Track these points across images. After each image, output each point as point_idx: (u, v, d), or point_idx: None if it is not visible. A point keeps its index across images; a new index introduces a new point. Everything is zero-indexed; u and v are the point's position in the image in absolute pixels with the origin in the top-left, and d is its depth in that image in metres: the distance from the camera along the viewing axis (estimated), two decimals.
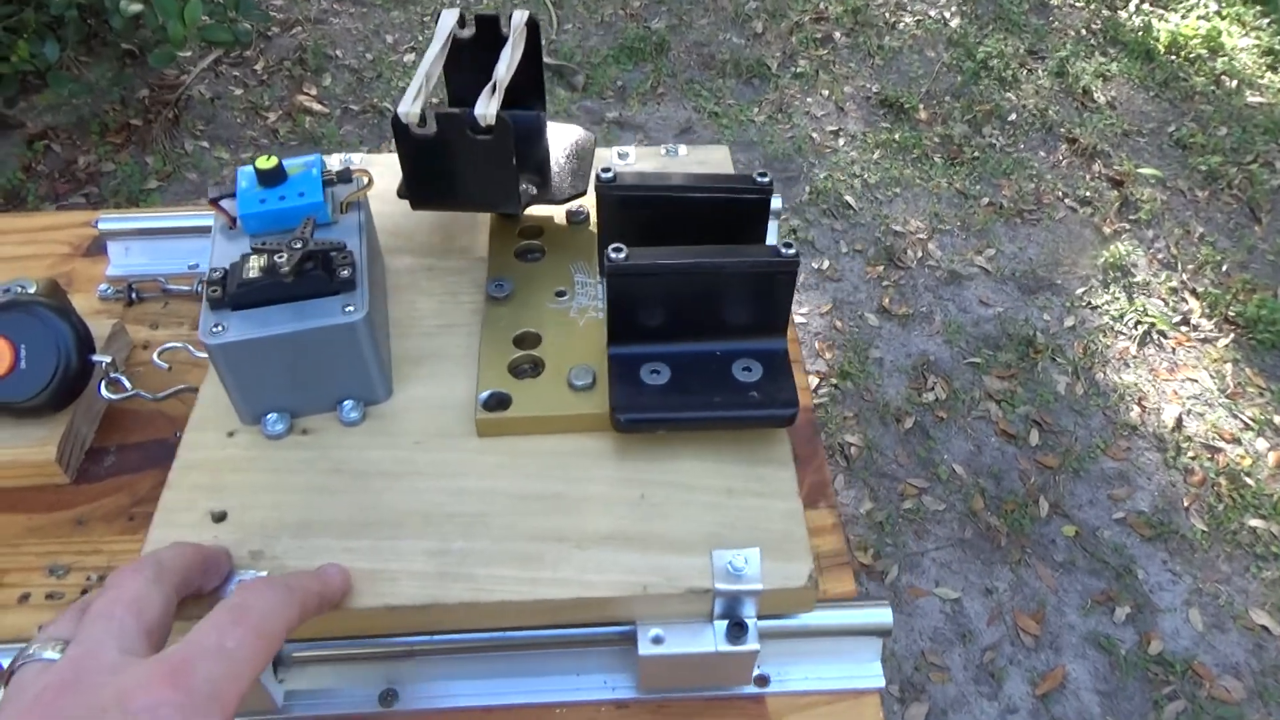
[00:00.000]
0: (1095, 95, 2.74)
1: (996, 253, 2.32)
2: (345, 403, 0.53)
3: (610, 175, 0.54)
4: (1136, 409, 1.99)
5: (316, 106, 2.64)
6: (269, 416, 0.52)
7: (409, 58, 2.84)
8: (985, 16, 3.04)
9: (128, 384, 0.61)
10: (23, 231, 0.79)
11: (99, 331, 0.63)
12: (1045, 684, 1.57)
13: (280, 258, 0.48)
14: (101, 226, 0.73)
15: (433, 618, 0.46)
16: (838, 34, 3.00)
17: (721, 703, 0.51)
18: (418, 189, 0.56)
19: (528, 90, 0.62)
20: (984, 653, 1.61)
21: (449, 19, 0.58)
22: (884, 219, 2.38)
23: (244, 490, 0.50)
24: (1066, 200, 2.44)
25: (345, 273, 0.50)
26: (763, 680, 0.51)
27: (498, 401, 0.52)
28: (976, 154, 2.57)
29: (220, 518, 0.49)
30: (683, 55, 2.90)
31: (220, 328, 0.49)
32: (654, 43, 2.90)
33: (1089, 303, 2.20)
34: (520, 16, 0.59)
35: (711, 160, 0.70)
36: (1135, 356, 2.09)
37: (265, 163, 0.53)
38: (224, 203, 0.55)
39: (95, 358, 0.60)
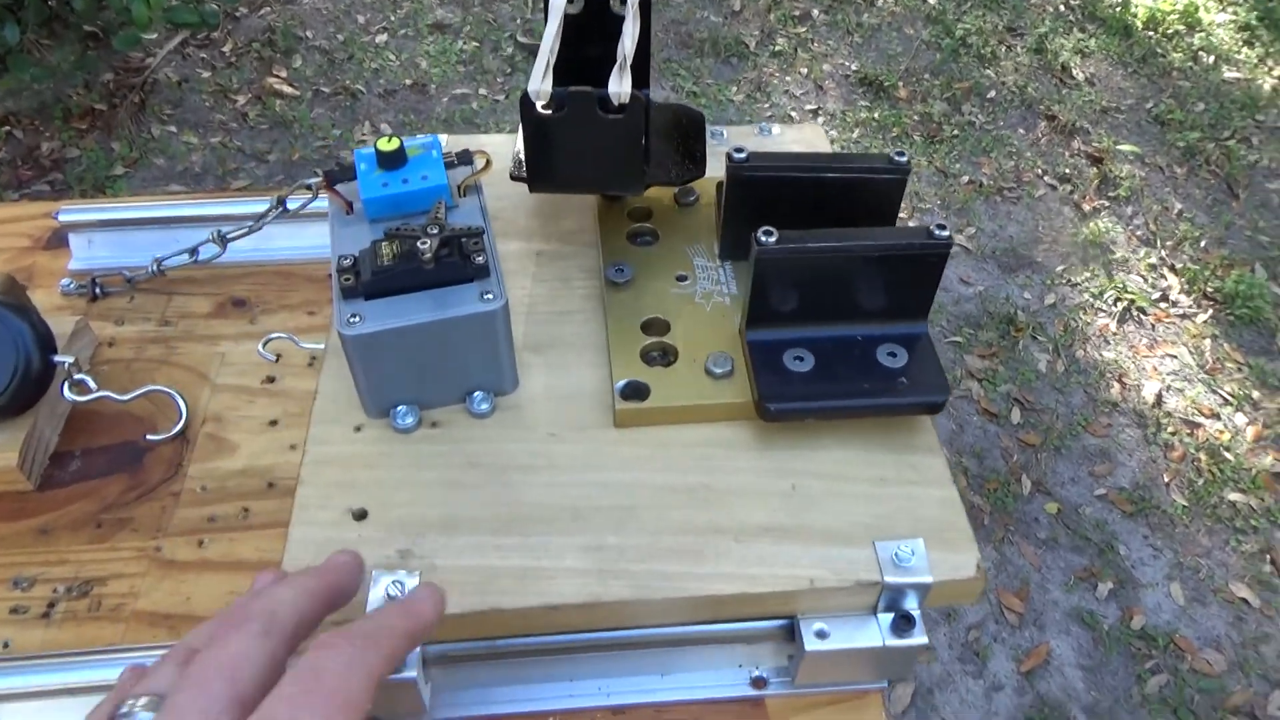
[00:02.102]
0: (1074, 72, 2.79)
1: (977, 231, 2.35)
2: (475, 394, 0.51)
3: (744, 156, 0.52)
4: (1117, 386, 2.04)
5: (287, 89, 2.56)
6: (398, 409, 0.50)
7: (381, 38, 2.76)
8: None
9: (93, 384, 0.58)
10: None
11: (61, 329, 0.60)
12: (1029, 661, 1.61)
13: (423, 244, 0.46)
14: (62, 218, 0.69)
15: (595, 616, 0.45)
16: (816, 11, 2.99)
17: (719, 705, 0.50)
18: (539, 171, 0.54)
19: (636, 67, 0.59)
20: (969, 631, 1.64)
21: None
22: None
23: (379, 487, 0.48)
24: (1046, 178, 2.48)
25: (480, 259, 0.48)
26: (760, 682, 0.50)
27: (634, 391, 0.51)
28: (956, 132, 2.59)
29: (361, 516, 0.47)
30: (659, 34, 2.87)
31: (357, 318, 0.46)
32: None
33: (1069, 280, 2.25)
34: None
35: (807, 138, 0.69)
36: (1115, 333, 2.14)
37: (387, 145, 0.51)
38: (340, 186, 0.52)
39: (57, 358, 0.57)
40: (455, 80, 2.64)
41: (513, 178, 0.57)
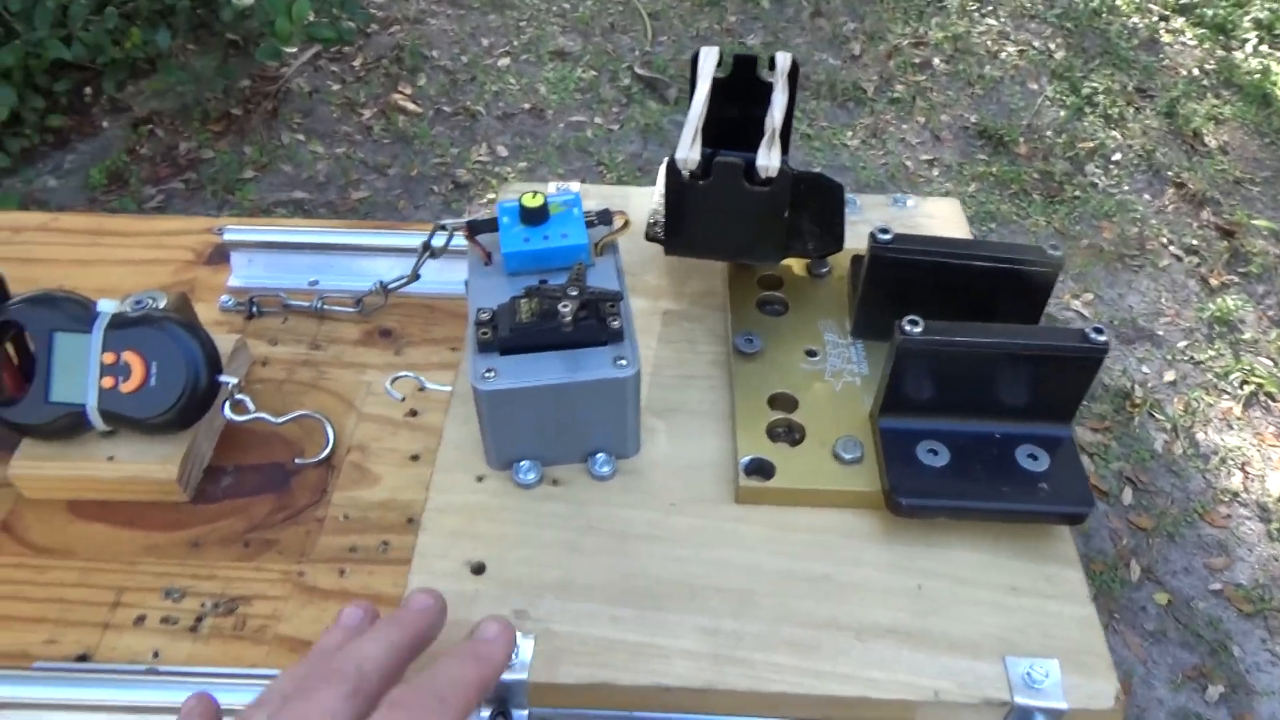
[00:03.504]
0: (1206, 139, 2.67)
1: (1094, 298, 2.26)
2: (598, 455, 0.51)
3: (889, 237, 0.51)
4: (1239, 474, 1.93)
5: (410, 106, 2.65)
6: (521, 464, 0.50)
7: (503, 62, 2.83)
8: (1092, 50, 2.98)
9: (251, 405, 0.60)
10: (149, 235, 0.78)
11: (221, 347, 0.62)
12: None
13: (564, 307, 0.46)
14: (227, 236, 0.72)
15: (708, 702, 0.44)
16: (937, 60, 2.95)
17: None
18: (677, 234, 0.54)
19: (781, 136, 0.59)
20: None
21: (710, 59, 0.56)
22: None
23: (498, 541, 0.48)
24: (1172, 247, 2.38)
25: (615, 323, 0.48)
26: None
27: (759, 468, 0.50)
28: (1077, 193, 2.51)
29: (479, 570, 0.47)
30: None
31: (492, 373, 0.47)
32: None
33: (1192, 358, 2.14)
34: (784, 60, 0.56)
35: (941, 214, 0.67)
36: (1240, 418, 2.02)
37: (531, 200, 0.51)
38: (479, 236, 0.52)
39: (222, 378, 0.59)
40: (572, 107, 2.69)
41: (648, 238, 0.57)
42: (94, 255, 0.75)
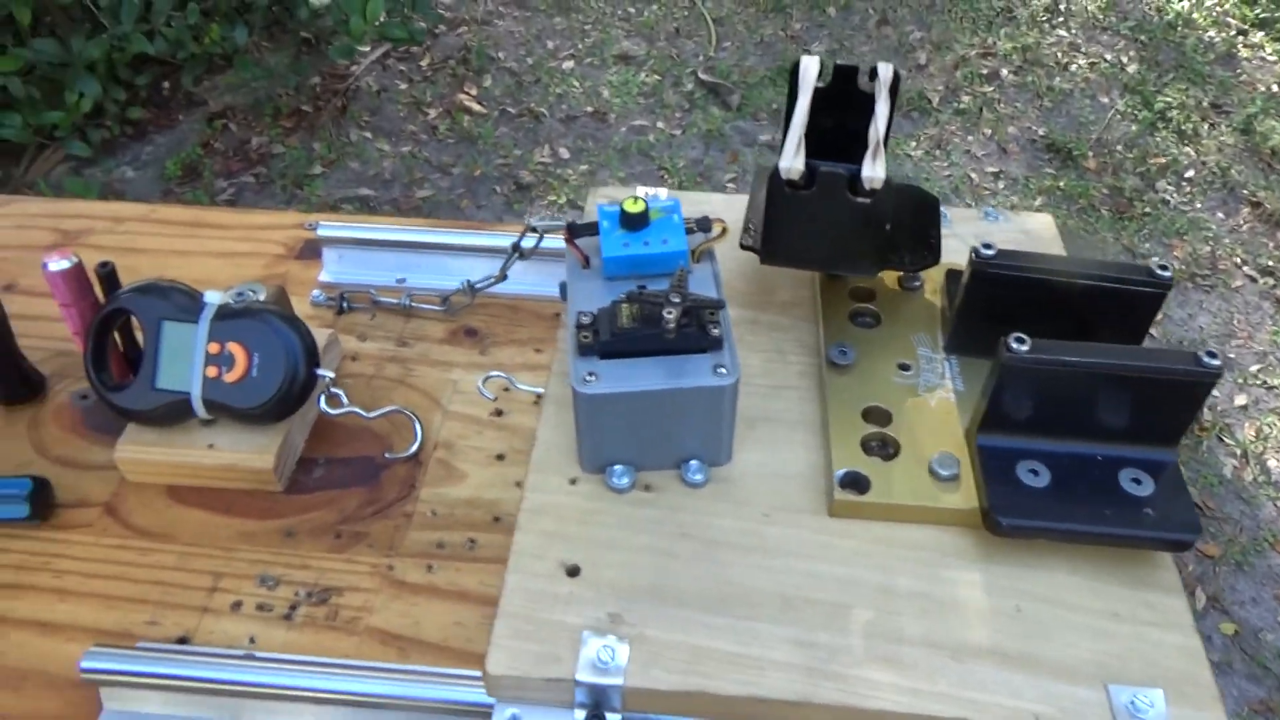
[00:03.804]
0: None
1: (1163, 317, 2.20)
2: (691, 463, 0.51)
3: (992, 253, 0.50)
4: None
5: (475, 106, 2.68)
6: (614, 468, 0.51)
7: (568, 64, 2.85)
8: (1166, 64, 2.91)
9: (345, 399, 0.61)
10: (243, 229, 0.80)
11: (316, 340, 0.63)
12: None
13: (668, 313, 0.46)
14: (320, 233, 0.73)
15: (801, 715, 0.43)
16: (1005, 71, 2.90)
17: None
18: (774, 244, 0.54)
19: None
20: None
21: (812, 69, 0.56)
22: None
23: (591, 544, 0.48)
24: (1245, 268, 2.31)
25: (715, 331, 0.48)
26: None
27: (854, 482, 0.50)
28: (1148, 209, 2.45)
29: (574, 572, 0.47)
30: None
31: (593, 377, 0.47)
32: None
33: (1264, 382, 2.08)
34: (887, 70, 0.56)
35: (1034, 228, 0.66)
36: None
37: (633, 206, 0.52)
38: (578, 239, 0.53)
39: (320, 371, 0.60)
40: (635, 111, 2.70)
41: (742, 246, 0.57)
42: (192, 246, 0.78)
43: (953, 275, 0.58)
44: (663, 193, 0.67)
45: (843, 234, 0.52)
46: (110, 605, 0.55)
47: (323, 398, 0.61)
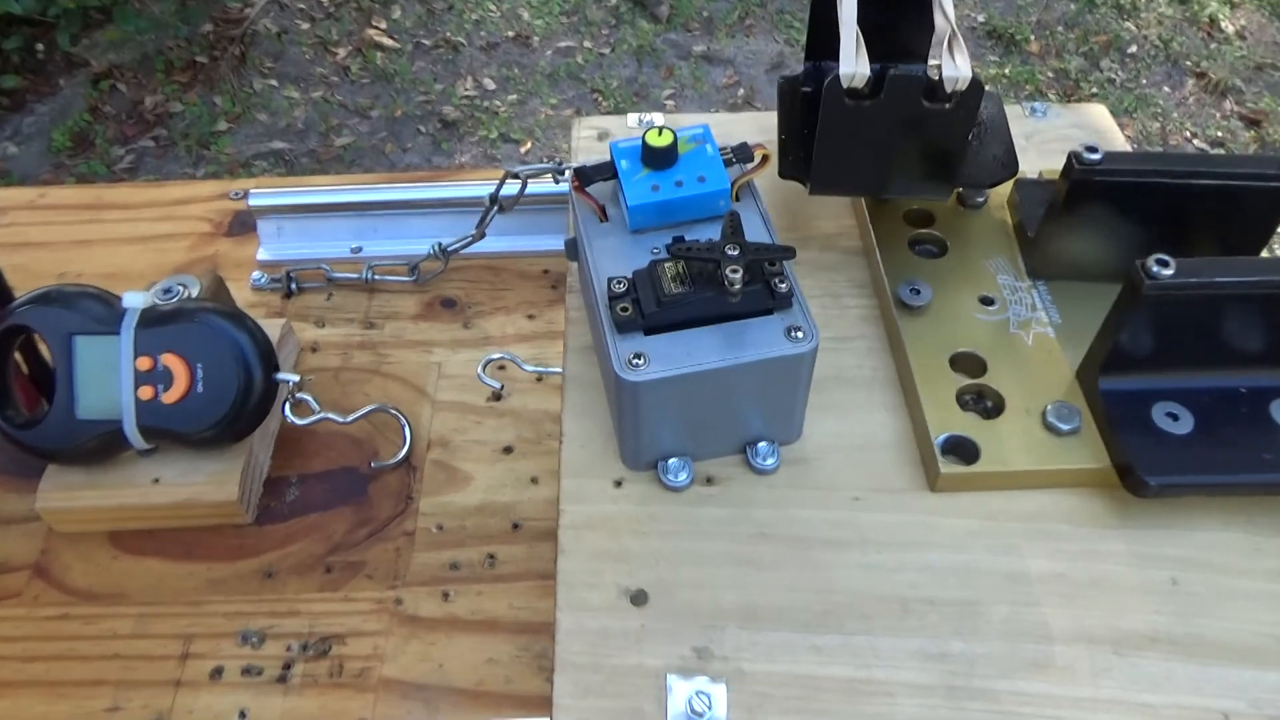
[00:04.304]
0: (1223, 25, 2.55)
1: None
2: (759, 445, 0.42)
3: (1098, 157, 0.42)
4: None
5: (387, 41, 2.48)
6: (669, 463, 0.41)
7: None
8: None
9: (315, 405, 0.51)
10: (155, 206, 0.67)
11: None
12: None
13: (733, 271, 0.36)
14: (252, 202, 0.61)
15: None
16: None
17: None
18: (828, 170, 0.44)
19: (922, 43, 0.49)
20: None
21: None
22: None
23: (656, 561, 0.40)
24: (1196, 140, 2.28)
25: (783, 285, 0.39)
26: None
27: (958, 447, 0.41)
28: (1094, 90, 2.40)
29: (640, 599, 0.38)
30: None
31: (641, 360, 0.37)
32: None
33: None
34: None
35: (1088, 121, 0.57)
36: None
37: (657, 139, 0.41)
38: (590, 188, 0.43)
39: (280, 376, 0.49)
40: (559, 32, 2.53)
41: (782, 175, 0.48)
42: (96, 234, 0.65)
43: (1024, 185, 0.50)
44: (658, 118, 0.57)
45: (913, 150, 0.43)
46: (58, 693, 0.44)
47: (287, 405, 0.50)
